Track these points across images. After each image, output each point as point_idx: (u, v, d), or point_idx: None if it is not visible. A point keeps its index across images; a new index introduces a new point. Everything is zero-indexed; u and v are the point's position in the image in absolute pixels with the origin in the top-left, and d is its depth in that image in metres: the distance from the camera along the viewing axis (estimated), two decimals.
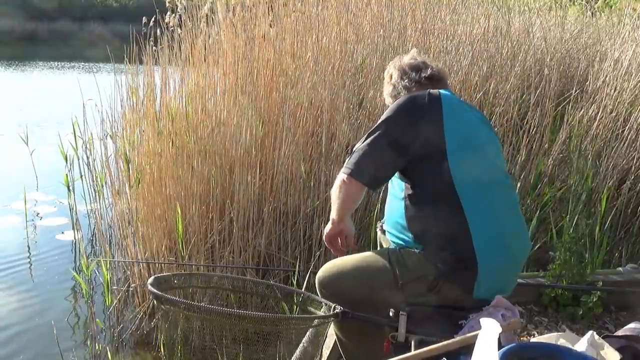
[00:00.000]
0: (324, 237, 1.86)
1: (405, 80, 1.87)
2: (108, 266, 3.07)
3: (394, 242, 1.80)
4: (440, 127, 1.68)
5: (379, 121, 1.74)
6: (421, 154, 1.68)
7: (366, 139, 1.73)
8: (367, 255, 1.80)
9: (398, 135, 1.69)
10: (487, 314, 1.50)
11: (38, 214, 4.74)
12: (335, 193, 1.76)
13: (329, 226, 1.83)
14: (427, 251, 1.67)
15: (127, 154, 3.53)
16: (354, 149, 1.76)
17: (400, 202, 1.75)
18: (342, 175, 1.73)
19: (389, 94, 1.93)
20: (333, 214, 1.80)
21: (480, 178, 1.69)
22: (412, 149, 1.68)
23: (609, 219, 3.44)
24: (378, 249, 2.04)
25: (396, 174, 1.78)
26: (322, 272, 1.80)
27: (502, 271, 1.69)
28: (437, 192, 1.69)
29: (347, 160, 1.75)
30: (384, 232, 1.93)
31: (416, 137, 1.68)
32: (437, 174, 1.67)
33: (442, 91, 1.77)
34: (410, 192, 1.72)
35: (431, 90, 1.76)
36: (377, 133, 1.71)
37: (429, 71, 1.87)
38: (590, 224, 3.25)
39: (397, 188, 1.80)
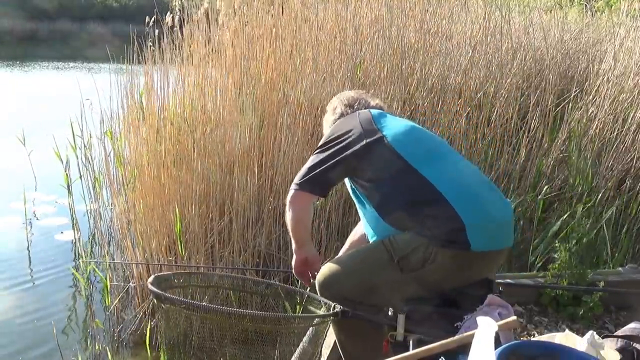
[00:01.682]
0: (294, 271, 1.92)
1: (354, 108, 2.01)
2: (107, 267, 3.08)
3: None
4: (370, 122, 1.84)
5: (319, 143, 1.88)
6: (363, 151, 1.78)
7: (309, 159, 1.85)
8: (360, 250, 1.87)
9: (337, 143, 1.81)
10: (483, 313, 1.50)
11: (37, 214, 4.74)
12: (287, 217, 1.86)
13: (294, 259, 1.90)
14: (413, 228, 1.70)
15: (124, 154, 3.53)
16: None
17: (368, 206, 1.82)
18: (289, 193, 1.84)
19: (330, 123, 2.04)
20: (293, 243, 1.88)
21: (427, 149, 1.83)
22: (353, 151, 1.79)
23: (609, 219, 3.43)
24: None
25: (353, 187, 1.87)
26: (320, 275, 1.81)
27: (488, 218, 1.71)
28: (393, 175, 1.75)
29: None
30: None
31: (352, 140, 1.80)
32: (386, 160, 1.76)
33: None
34: (370, 191, 1.80)
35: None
36: (318, 150, 1.85)
37: (371, 103, 2.06)
38: (589, 224, 3.25)
39: (359, 197, 1.87)
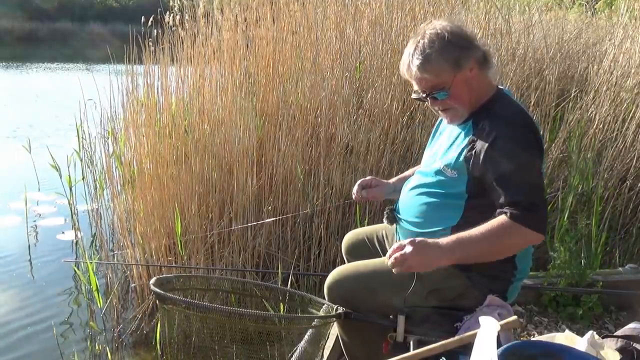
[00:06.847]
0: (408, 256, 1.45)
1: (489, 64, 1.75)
2: (107, 267, 3.06)
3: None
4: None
5: (519, 145, 1.51)
6: None
7: (523, 173, 1.49)
8: (379, 267, 1.68)
9: (540, 162, 1.58)
10: (482, 314, 1.50)
11: (38, 214, 4.74)
12: (492, 237, 1.47)
13: (427, 256, 1.46)
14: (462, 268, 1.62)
15: (124, 154, 3.53)
16: (514, 181, 1.48)
17: (456, 209, 1.60)
18: (520, 228, 1.45)
19: (459, 62, 1.66)
20: (452, 253, 1.47)
21: None
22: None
23: (609, 219, 3.43)
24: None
25: (465, 179, 1.58)
26: (333, 279, 1.75)
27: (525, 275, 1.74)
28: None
29: (516, 200, 1.46)
30: (391, 221, 1.80)
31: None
32: None
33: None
34: (478, 204, 1.57)
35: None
36: (529, 166, 1.52)
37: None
38: (589, 224, 3.25)
39: (453, 189, 1.60)
